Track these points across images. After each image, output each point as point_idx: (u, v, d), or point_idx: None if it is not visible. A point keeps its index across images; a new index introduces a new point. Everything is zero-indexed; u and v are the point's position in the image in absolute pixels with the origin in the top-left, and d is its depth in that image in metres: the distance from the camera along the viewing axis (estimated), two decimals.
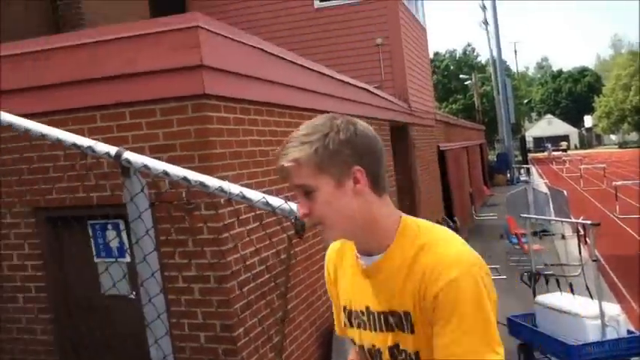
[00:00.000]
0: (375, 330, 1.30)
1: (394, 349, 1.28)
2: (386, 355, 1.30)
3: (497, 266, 9.29)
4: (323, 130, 1.23)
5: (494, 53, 33.45)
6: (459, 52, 58.24)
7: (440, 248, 1.22)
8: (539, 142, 71.75)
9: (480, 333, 1.15)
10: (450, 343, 1.16)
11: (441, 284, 1.17)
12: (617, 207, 14.73)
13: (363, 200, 1.26)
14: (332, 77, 5.72)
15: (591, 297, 5.39)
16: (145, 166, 1.75)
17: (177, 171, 1.76)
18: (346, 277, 1.39)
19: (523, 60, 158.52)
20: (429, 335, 1.20)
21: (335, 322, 1.51)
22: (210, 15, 3.83)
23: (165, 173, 1.75)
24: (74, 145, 1.89)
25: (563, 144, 68.35)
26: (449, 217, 12.40)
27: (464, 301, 1.15)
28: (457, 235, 1.28)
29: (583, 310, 5.06)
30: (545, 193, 13.21)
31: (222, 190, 1.72)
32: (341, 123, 1.25)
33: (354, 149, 1.23)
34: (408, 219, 1.30)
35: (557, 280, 5.71)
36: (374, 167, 1.26)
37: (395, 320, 1.26)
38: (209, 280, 3.54)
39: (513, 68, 64.25)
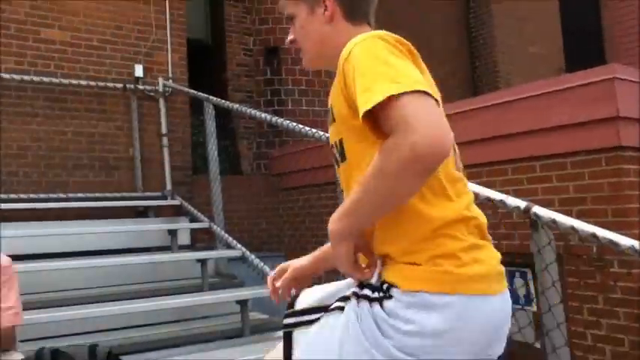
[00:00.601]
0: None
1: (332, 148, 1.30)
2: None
3: None
4: None
5: None
6: None
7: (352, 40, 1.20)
8: None
9: (376, 73, 1.09)
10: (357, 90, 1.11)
11: (345, 56, 1.17)
12: None
13: (333, 27, 1.34)
14: None
15: None
16: (553, 221, 1.85)
17: (585, 227, 1.80)
18: None
19: None
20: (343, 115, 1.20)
21: None
22: None
23: (573, 229, 1.81)
24: (487, 198, 2.13)
25: None
26: None
27: (359, 58, 1.13)
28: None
29: None
30: None
31: (635, 249, 1.67)
32: None
33: None
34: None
35: None
36: None
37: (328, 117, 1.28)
38: (623, 343, 3.30)
39: None
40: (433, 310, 1.11)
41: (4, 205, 4.17)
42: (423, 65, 1.21)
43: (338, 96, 1.22)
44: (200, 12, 6.54)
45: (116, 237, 4.43)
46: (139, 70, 5.09)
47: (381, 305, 1.14)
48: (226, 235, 4.33)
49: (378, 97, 1.05)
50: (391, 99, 1.05)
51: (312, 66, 1.47)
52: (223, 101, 4.61)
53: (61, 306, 3.21)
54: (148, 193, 5.07)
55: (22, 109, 4.71)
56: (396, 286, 1.14)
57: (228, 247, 4.27)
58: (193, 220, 4.75)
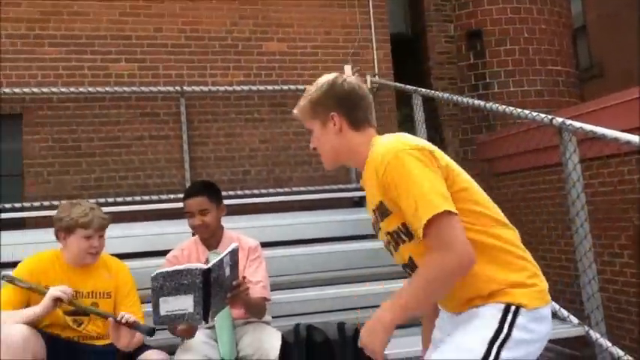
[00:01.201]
0: (378, 226, 1.71)
1: (388, 235, 1.67)
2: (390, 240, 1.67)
3: None
4: (316, 85, 1.74)
5: None
6: None
7: (378, 148, 1.61)
8: None
9: (416, 196, 1.49)
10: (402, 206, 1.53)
11: (381, 171, 1.55)
12: None
13: (343, 136, 1.71)
14: None
15: None
16: None
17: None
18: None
19: None
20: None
21: None
22: None
23: None
24: None
25: None
26: None
27: (396, 177, 1.52)
28: (401, 133, 1.67)
29: None
30: None
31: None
32: (331, 78, 1.73)
33: (332, 99, 1.70)
34: (375, 139, 1.68)
35: None
36: (351, 111, 1.70)
37: (380, 211, 1.64)
38: None
39: None
40: (542, 321, 1.58)
41: (241, 201, 4.78)
42: (443, 156, 1.63)
43: (383, 195, 1.58)
44: (399, 6, 6.70)
45: (336, 225, 4.77)
46: (347, 70, 5.41)
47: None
48: None
49: (423, 222, 1.47)
50: (430, 220, 1.46)
51: (332, 167, 1.82)
52: (432, 91, 4.70)
53: (298, 288, 3.60)
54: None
55: (251, 115, 5.34)
56: (523, 307, 1.54)
57: None
58: None
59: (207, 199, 2.71)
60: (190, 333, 2.44)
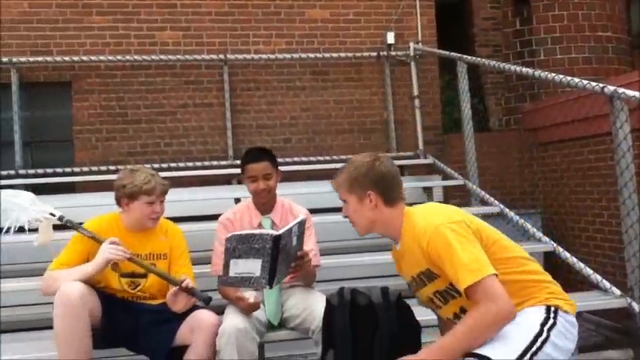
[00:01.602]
0: (421, 287, 1.98)
1: (435, 293, 1.96)
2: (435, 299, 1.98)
3: None
4: (355, 164, 1.99)
5: None
6: None
7: (416, 228, 1.92)
8: None
9: (460, 265, 1.79)
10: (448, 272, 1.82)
11: (425, 243, 1.86)
12: None
13: (378, 211, 1.97)
14: None
15: None
16: None
17: None
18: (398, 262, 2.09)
19: None
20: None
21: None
22: None
23: None
24: None
25: None
26: None
27: (441, 250, 1.83)
28: (432, 205, 2.23)
29: None
30: None
31: None
32: (369, 160, 1.99)
33: (370, 179, 1.95)
34: (407, 212, 1.99)
35: None
36: (386, 190, 1.97)
37: (424, 276, 1.94)
38: None
39: None
40: (574, 326, 1.90)
41: (282, 168, 4.82)
42: (472, 219, 1.95)
43: (430, 263, 1.87)
44: None
45: None
46: (390, 37, 5.36)
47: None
48: (482, 192, 4.38)
49: (467, 285, 1.76)
50: (474, 284, 1.75)
51: (365, 234, 2.05)
52: (477, 59, 4.62)
53: (339, 254, 3.67)
54: (401, 153, 5.36)
55: (292, 83, 5.36)
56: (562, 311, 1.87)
57: (484, 203, 4.32)
58: (446, 177, 4.89)
59: (270, 164, 2.78)
60: (253, 309, 2.53)
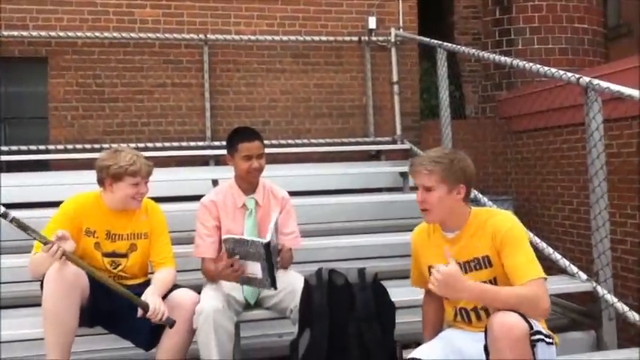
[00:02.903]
0: (466, 272, 2.10)
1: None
2: None
3: None
4: (450, 157, 2.15)
5: None
6: None
7: (496, 217, 2.16)
8: None
9: (527, 261, 2.05)
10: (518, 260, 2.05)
11: (501, 234, 2.08)
12: None
13: (459, 203, 2.15)
14: None
15: None
16: None
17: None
18: (431, 249, 2.25)
19: None
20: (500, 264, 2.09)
21: (411, 277, 2.40)
22: None
23: None
24: None
25: None
26: None
27: (514, 243, 2.08)
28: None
29: None
30: None
31: None
32: (460, 156, 2.18)
33: (464, 173, 2.15)
34: (473, 209, 2.21)
35: None
36: (470, 186, 2.17)
37: (474, 263, 2.13)
38: None
39: None
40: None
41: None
42: None
43: (492, 252, 2.08)
44: None
45: (352, 178, 4.83)
46: (372, 22, 5.37)
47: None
48: None
49: (530, 278, 1.99)
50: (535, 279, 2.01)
51: (434, 223, 2.21)
52: (457, 46, 4.64)
53: (316, 236, 3.71)
54: (379, 138, 5.41)
55: (273, 66, 5.35)
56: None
57: None
58: None
59: (261, 144, 2.79)
60: (234, 278, 2.54)
